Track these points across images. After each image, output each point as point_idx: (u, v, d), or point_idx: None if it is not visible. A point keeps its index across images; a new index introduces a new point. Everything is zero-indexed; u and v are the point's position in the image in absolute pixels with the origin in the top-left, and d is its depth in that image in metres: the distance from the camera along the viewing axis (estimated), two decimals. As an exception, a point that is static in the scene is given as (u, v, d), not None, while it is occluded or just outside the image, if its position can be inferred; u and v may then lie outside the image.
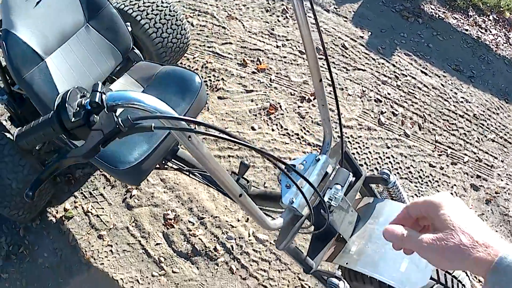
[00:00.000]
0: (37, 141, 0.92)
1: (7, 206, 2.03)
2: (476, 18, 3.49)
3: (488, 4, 3.56)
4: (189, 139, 0.93)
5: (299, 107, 2.72)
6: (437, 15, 3.40)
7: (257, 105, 2.72)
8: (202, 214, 2.32)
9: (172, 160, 2.07)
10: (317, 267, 1.37)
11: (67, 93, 0.86)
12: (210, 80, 2.82)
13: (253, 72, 2.89)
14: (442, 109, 2.85)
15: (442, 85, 2.96)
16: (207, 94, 2.77)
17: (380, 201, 1.53)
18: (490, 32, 3.41)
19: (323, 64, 2.57)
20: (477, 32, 3.39)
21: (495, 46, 3.32)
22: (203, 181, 2.00)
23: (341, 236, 1.41)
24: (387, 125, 2.71)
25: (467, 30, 3.37)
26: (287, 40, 3.08)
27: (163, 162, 2.08)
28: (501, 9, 3.55)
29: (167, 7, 2.39)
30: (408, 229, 0.65)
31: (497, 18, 3.52)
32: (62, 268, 2.23)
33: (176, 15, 2.43)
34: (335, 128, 2.09)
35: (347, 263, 1.38)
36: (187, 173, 2.05)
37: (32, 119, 2.12)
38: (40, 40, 1.78)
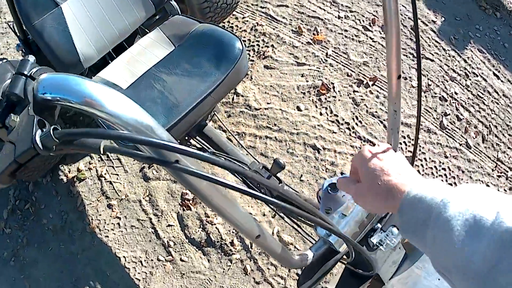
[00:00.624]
0: None
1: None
2: (562, 19, 2.29)
3: None
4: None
5: (354, 91, 1.75)
6: (520, 10, 2.22)
7: (307, 81, 1.77)
8: (225, 200, 1.51)
9: (197, 137, 1.24)
10: None
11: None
12: (258, 45, 1.86)
13: (308, 43, 1.89)
14: (510, 122, 1.82)
15: (516, 92, 1.91)
16: (253, 61, 1.83)
17: None
18: None
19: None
20: (561, 36, 2.22)
21: None
22: (228, 168, 1.15)
23: (378, 276, 0.76)
24: (449, 130, 1.74)
25: (552, 32, 2.20)
26: (351, 11, 2.02)
27: (186, 138, 1.25)
28: None
29: None
30: (349, 178, 0.51)
31: None
32: (66, 233, 1.50)
33: None
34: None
35: None
36: (210, 159, 1.20)
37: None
38: None
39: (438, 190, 0.39)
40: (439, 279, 0.79)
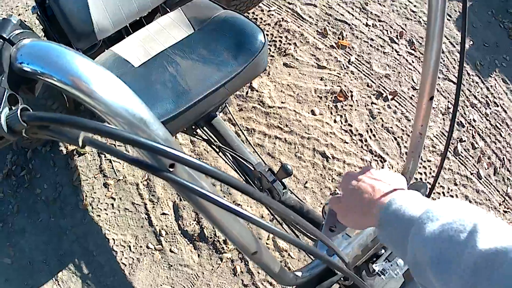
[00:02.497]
0: None
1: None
2: None
3: None
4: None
5: (372, 103, 1.60)
6: (550, 45, 2.05)
7: (325, 86, 1.62)
8: (224, 196, 1.37)
9: (204, 128, 1.10)
10: None
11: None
12: (280, 41, 1.70)
13: (332, 46, 1.73)
14: (524, 155, 1.68)
15: (533, 128, 1.76)
16: (272, 56, 1.67)
17: None
18: None
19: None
20: None
21: None
22: (232, 164, 1.05)
23: None
24: (463, 157, 1.59)
25: None
26: (380, 21, 1.85)
27: (193, 127, 1.11)
28: None
29: None
30: (338, 196, 0.50)
31: None
32: (57, 206, 1.37)
33: None
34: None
35: None
36: (217, 149, 1.08)
37: (58, 39, 1.15)
38: None
39: (416, 206, 0.37)
40: None
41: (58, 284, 1.30)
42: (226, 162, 1.09)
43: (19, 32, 0.31)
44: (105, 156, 1.42)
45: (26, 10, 1.94)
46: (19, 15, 1.93)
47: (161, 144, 0.24)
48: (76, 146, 0.31)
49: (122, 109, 0.26)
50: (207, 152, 1.42)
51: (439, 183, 1.51)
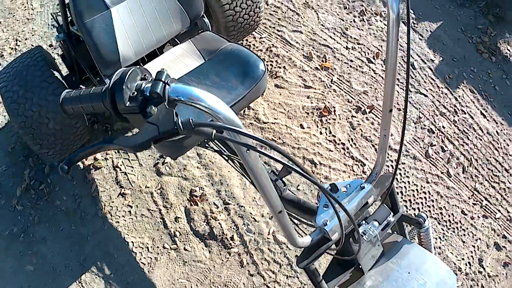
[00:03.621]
0: (85, 110, 0.71)
1: (39, 144, 1.71)
2: (551, 71, 2.85)
3: None
4: (247, 151, 0.74)
5: (352, 116, 2.25)
6: (511, 58, 2.78)
7: (312, 103, 2.26)
8: (229, 200, 1.95)
9: (215, 141, 1.68)
10: None
11: (127, 72, 0.66)
12: (271, 65, 2.35)
13: (316, 68, 2.40)
14: (490, 157, 2.33)
15: (497, 132, 2.42)
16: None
17: (408, 243, 1.23)
18: (561, 89, 2.78)
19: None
20: (548, 86, 2.77)
21: (562, 106, 2.70)
22: (240, 170, 1.62)
23: (360, 266, 1.15)
24: (433, 159, 2.23)
25: (539, 81, 2.76)
26: (358, 43, 2.54)
27: (205, 140, 1.70)
28: None
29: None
30: None
31: None
32: (77, 216, 1.93)
33: (258, 2, 1.95)
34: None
35: None
36: (226, 158, 1.66)
37: (83, 63, 1.73)
38: None
39: None
40: (409, 273, 1.23)
41: (82, 286, 1.82)
42: (235, 168, 1.67)
43: (170, 78, 0.72)
44: (120, 170, 1.99)
45: (33, 35, 2.54)
46: (26, 39, 2.52)
47: (246, 131, 0.68)
48: (210, 139, 0.70)
49: (222, 114, 0.71)
50: (212, 163, 2.01)
51: (413, 182, 2.12)
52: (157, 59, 1.66)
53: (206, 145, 1.70)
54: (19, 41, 2.52)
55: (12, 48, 2.48)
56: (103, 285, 1.80)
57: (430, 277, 1.12)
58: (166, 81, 0.66)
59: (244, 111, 2.17)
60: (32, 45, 2.52)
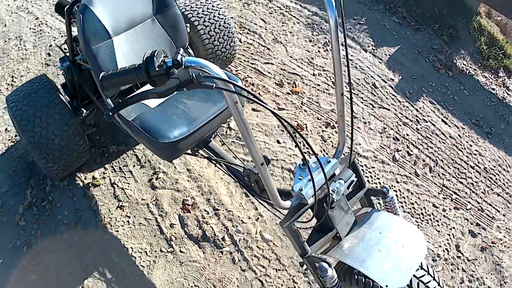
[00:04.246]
0: (119, 84, 1.14)
1: (45, 158, 2.22)
2: (505, 79, 3.53)
3: None
4: (236, 104, 1.15)
5: (323, 131, 2.82)
6: (467, 71, 3.46)
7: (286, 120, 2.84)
8: (218, 206, 2.43)
9: (204, 149, 2.18)
10: (311, 253, 1.51)
11: (155, 51, 1.08)
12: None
13: (288, 93, 3.02)
14: (455, 157, 2.88)
15: (459, 135, 3.01)
16: (243, 105, 2.92)
17: (377, 211, 1.65)
18: (516, 96, 3.44)
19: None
20: (503, 93, 3.43)
21: (519, 109, 3.34)
22: (227, 171, 2.09)
23: (337, 234, 1.56)
24: (400, 162, 2.77)
25: (494, 89, 3.42)
26: (324, 70, 3.21)
27: (195, 149, 2.21)
28: None
29: (222, 19, 2.58)
30: None
31: None
32: (79, 228, 2.39)
33: (229, 28, 2.61)
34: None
35: (338, 256, 1.50)
36: (215, 162, 2.16)
37: (83, 90, 2.35)
38: (112, 21, 1.98)
39: None
40: (380, 233, 1.67)
41: None
42: (222, 171, 2.17)
43: (185, 54, 1.27)
44: (117, 186, 2.48)
45: (28, 73, 3.15)
46: (21, 76, 3.12)
47: (235, 82, 1.14)
48: (211, 89, 1.07)
49: (218, 75, 1.13)
50: (201, 176, 2.52)
51: (383, 182, 2.63)
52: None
53: (196, 153, 2.22)
54: (15, 77, 3.14)
55: (8, 84, 3.09)
56: None
57: (400, 234, 1.52)
58: (183, 55, 1.08)
59: (226, 132, 2.74)
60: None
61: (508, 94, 3.44)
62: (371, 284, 1.49)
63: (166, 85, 1.12)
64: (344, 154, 1.63)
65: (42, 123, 2.17)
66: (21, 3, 3.79)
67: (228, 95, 1.14)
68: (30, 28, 3.51)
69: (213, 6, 2.61)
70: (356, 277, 1.53)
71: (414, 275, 1.54)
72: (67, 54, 2.36)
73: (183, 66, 1.08)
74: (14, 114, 2.21)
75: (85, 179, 2.54)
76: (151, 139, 1.87)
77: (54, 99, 2.22)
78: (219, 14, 2.58)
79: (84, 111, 2.39)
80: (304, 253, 1.51)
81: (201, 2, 2.62)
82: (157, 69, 1.06)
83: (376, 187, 2.63)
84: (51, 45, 3.36)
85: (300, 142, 2.73)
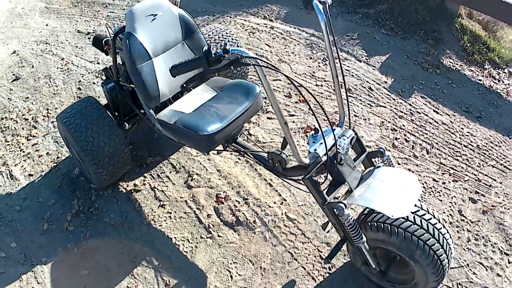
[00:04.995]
0: (185, 71, 1.79)
1: (96, 163, 2.80)
2: (491, 70, 4.18)
3: (504, 59, 4.25)
4: (264, 76, 1.81)
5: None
6: (454, 68, 4.13)
7: (297, 125, 3.50)
8: (247, 196, 3.03)
9: (233, 144, 2.77)
10: (329, 201, 2.09)
11: (210, 45, 1.69)
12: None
13: (296, 102, 3.70)
14: (449, 140, 3.47)
15: (451, 121, 3.62)
16: (259, 115, 3.59)
17: (378, 167, 2.25)
18: (503, 82, 4.08)
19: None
20: (490, 82, 4.06)
21: (506, 93, 3.96)
22: (254, 160, 2.67)
23: (349, 188, 2.15)
24: (400, 148, 3.37)
25: (480, 80, 4.06)
26: (325, 81, 3.90)
27: (226, 144, 2.80)
28: None
29: (235, 43, 3.34)
30: None
31: None
32: (126, 227, 2.95)
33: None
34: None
35: (351, 201, 2.06)
36: (243, 153, 2.75)
37: (125, 107, 3.05)
38: (151, 45, 2.66)
39: None
40: (382, 180, 2.25)
41: (134, 277, 2.74)
42: (250, 159, 2.78)
43: (229, 46, 1.91)
44: (157, 189, 3.09)
45: (62, 105, 3.85)
46: (56, 109, 3.81)
47: (261, 59, 1.86)
48: (248, 65, 1.66)
49: (252, 56, 1.79)
50: (230, 174, 3.14)
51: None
52: (184, 97, 2.91)
53: (227, 148, 2.83)
54: (50, 110, 3.86)
55: (44, 116, 3.81)
56: (153, 274, 2.73)
57: (398, 179, 2.10)
58: (228, 48, 1.65)
59: (247, 137, 3.39)
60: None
61: (494, 82, 4.08)
62: (382, 225, 2.07)
63: (220, 66, 1.75)
64: (345, 126, 2.27)
65: (93, 133, 2.78)
66: (45, 46, 4.64)
67: (259, 69, 1.78)
68: (58, 68, 4.32)
69: (226, 33, 3.37)
70: (369, 224, 2.13)
71: (416, 214, 2.09)
72: (108, 78, 3.08)
73: (230, 52, 1.69)
74: (68, 127, 2.80)
75: (127, 186, 3.17)
76: (192, 133, 2.47)
77: (103, 114, 2.87)
78: (231, 39, 3.33)
79: (127, 125, 3.08)
80: (324, 201, 2.10)
81: (217, 31, 3.38)
82: (213, 55, 1.67)
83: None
84: (80, 81, 4.13)
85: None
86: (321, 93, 3.78)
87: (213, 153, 3.34)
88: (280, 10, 4.86)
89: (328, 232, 2.40)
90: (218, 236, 2.86)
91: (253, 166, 3.25)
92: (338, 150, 2.06)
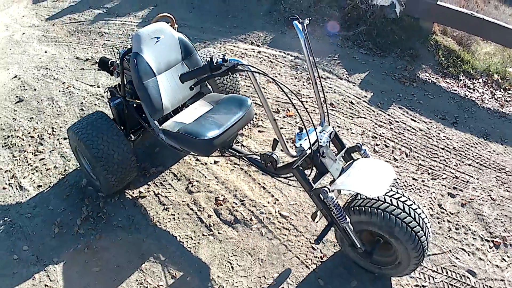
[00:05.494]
0: (193, 77, 2.29)
1: (106, 169, 3.19)
2: (466, 81, 4.78)
3: (478, 70, 4.85)
4: (256, 80, 2.28)
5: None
6: (430, 80, 4.71)
7: (285, 137, 3.99)
8: (243, 198, 3.46)
9: (229, 150, 3.20)
10: (316, 187, 2.54)
11: (212, 57, 2.25)
12: (253, 120, 4.15)
13: (284, 117, 4.21)
14: (426, 144, 3.98)
15: (428, 128, 4.14)
16: (250, 129, 4.08)
17: (356, 160, 2.72)
18: (478, 91, 4.68)
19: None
20: (465, 91, 4.65)
21: (481, 101, 4.54)
22: (249, 162, 3.11)
23: (332, 178, 2.60)
24: (380, 152, 3.86)
25: (456, 90, 4.65)
26: (309, 97, 4.43)
27: (223, 150, 3.22)
28: (490, 72, 4.84)
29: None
30: None
31: (486, 80, 4.80)
32: (133, 228, 3.34)
33: (235, 76, 3.90)
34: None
35: (334, 187, 2.51)
36: (239, 157, 3.18)
37: (130, 120, 3.51)
38: (155, 63, 3.14)
39: None
40: (360, 169, 2.73)
41: (143, 272, 3.11)
42: (245, 162, 3.23)
43: (226, 58, 2.43)
44: (161, 195, 3.51)
45: (66, 124, 4.28)
46: (60, 127, 4.25)
47: (254, 67, 2.37)
48: (242, 71, 2.21)
49: (250, 68, 2.33)
50: (227, 180, 3.58)
51: (370, 166, 3.70)
52: (187, 109, 3.37)
53: (223, 153, 3.29)
54: (55, 129, 4.29)
55: (50, 134, 4.24)
56: (161, 268, 3.09)
57: (374, 167, 2.58)
58: (227, 58, 2.15)
59: (242, 146, 3.86)
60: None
61: (469, 91, 4.67)
62: (363, 209, 2.52)
63: (220, 71, 2.22)
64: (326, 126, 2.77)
65: (104, 142, 3.20)
66: (45, 71, 5.13)
67: (251, 75, 2.27)
68: (59, 91, 4.79)
69: (219, 55, 3.89)
70: (352, 209, 2.58)
71: (393, 197, 2.54)
72: (113, 96, 3.54)
73: (228, 62, 2.19)
74: (80, 136, 3.20)
75: (133, 193, 3.58)
76: (194, 138, 2.93)
77: (111, 125, 3.29)
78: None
79: (132, 136, 3.53)
80: (311, 188, 2.55)
81: (210, 53, 3.89)
82: (215, 64, 2.16)
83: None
84: (82, 103, 4.59)
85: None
86: (306, 108, 4.28)
87: (211, 163, 3.80)
88: (266, 36, 5.49)
89: (317, 222, 2.85)
90: (219, 233, 3.27)
91: (247, 173, 3.70)
92: (319, 143, 2.54)
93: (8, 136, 4.29)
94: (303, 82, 4.63)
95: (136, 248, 3.23)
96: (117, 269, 3.09)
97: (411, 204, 2.53)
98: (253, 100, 4.30)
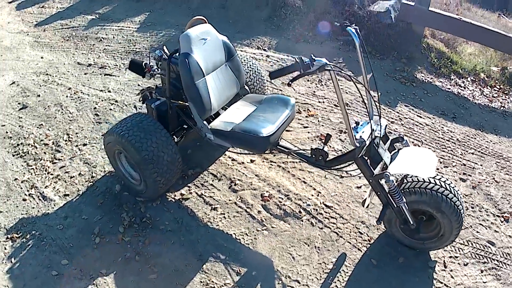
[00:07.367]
0: (282, 74, 2.59)
1: (156, 172, 3.31)
2: (457, 80, 5.44)
3: (466, 69, 5.53)
4: (336, 78, 2.62)
5: (339, 136, 4.36)
6: (426, 80, 5.31)
7: (312, 134, 4.37)
8: (287, 193, 3.78)
9: (276, 147, 3.46)
10: (376, 173, 2.93)
11: (300, 57, 2.57)
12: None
13: (306, 117, 4.59)
14: (433, 137, 4.54)
15: (433, 123, 4.71)
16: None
17: (400, 149, 3.15)
18: (468, 88, 5.35)
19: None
20: (457, 89, 5.29)
21: (472, 97, 5.20)
22: (298, 157, 3.40)
23: (385, 165, 3.00)
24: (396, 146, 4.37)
25: (449, 88, 5.28)
26: (325, 98, 4.86)
27: (270, 148, 3.46)
28: (477, 71, 5.55)
29: (257, 69, 4.19)
30: None
31: (474, 79, 5.50)
32: (183, 230, 3.49)
33: (260, 74, 4.23)
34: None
35: (389, 172, 2.91)
36: (287, 153, 3.45)
37: (172, 122, 3.69)
38: (204, 64, 3.36)
39: None
40: (406, 156, 3.15)
41: (205, 273, 3.30)
42: (294, 157, 3.55)
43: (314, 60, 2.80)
44: (205, 196, 3.73)
45: (82, 130, 4.38)
46: (76, 133, 4.35)
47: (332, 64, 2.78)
48: (329, 70, 2.54)
49: (330, 65, 2.99)
50: (268, 177, 3.88)
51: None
52: (230, 109, 3.60)
53: (272, 151, 3.57)
54: (71, 135, 4.35)
55: (66, 140, 4.30)
56: (223, 266, 3.31)
57: (418, 154, 3.02)
58: (314, 58, 2.58)
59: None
60: (85, 136, 4.38)
61: (461, 89, 5.33)
62: (414, 190, 2.94)
63: (311, 70, 2.55)
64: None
65: (153, 144, 3.31)
66: (47, 77, 5.15)
67: (333, 74, 2.60)
68: (67, 96, 4.85)
69: (253, 63, 4.21)
70: (403, 191, 2.97)
71: (436, 178, 2.97)
72: (146, 98, 3.73)
73: (315, 62, 2.53)
74: (127, 139, 3.27)
75: (174, 196, 3.74)
76: (252, 136, 3.17)
77: (158, 127, 3.42)
78: (256, 68, 4.17)
79: (175, 138, 3.72)
80: (372, 174, 2.93)
81: (244, 60, 4.19)
82: (305, 63, 2.51)
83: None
84: (95, 108, 4.68)
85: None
86: (325, 108, 4.71)
87: (247, 162, 4.08)
88: (271, 41, 5.89)
89: (367, 207, 3.26)
90: (272, 227, 3.57)
91: (285, 169, 4.03)
92: (375, 135, 2.93)
93: (18, 144, 4.29)
94: (316, 84, 5.06)
95: (192, 250, 3.36)
96: (176, 273, 3.19)
97: (450, 183, 3.00)
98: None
